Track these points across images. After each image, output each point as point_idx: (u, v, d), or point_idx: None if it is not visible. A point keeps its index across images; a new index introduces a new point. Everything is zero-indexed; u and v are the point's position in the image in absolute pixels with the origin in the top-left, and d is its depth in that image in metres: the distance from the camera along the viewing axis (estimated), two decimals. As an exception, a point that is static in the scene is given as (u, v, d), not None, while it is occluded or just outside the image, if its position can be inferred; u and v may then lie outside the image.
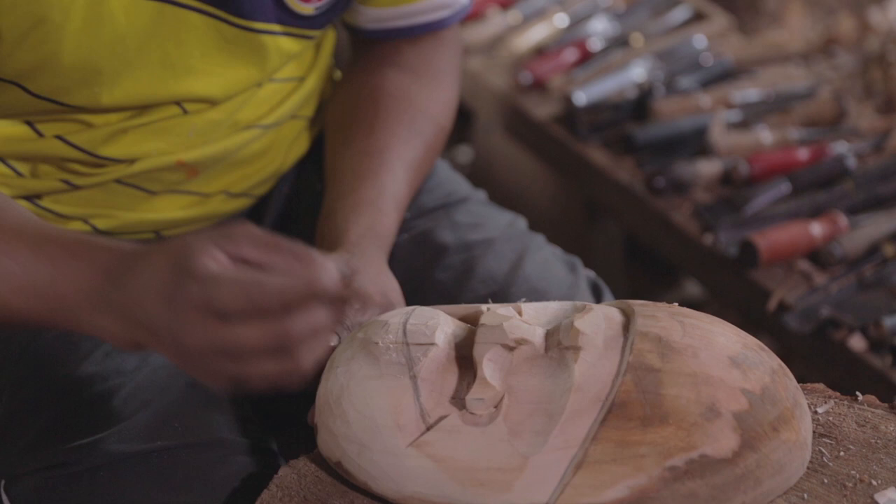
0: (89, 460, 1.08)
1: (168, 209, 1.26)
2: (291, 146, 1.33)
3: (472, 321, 1.01)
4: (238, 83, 1.20)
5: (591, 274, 1.30)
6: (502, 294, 1.22)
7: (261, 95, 1.24)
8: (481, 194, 1.40)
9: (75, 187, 1.21)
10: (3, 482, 1.11)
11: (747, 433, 0.92)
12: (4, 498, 1.11)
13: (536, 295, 1.21)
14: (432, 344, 0.97)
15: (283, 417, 1.23)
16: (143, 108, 1.17)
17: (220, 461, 1.09)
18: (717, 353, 0.95)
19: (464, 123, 2.49)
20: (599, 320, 0.96)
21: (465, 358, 0.97)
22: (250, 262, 0.89)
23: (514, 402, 0.94)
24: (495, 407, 0.94)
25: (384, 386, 0.96)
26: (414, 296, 1.19)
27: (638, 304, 0.99)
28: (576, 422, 0.92)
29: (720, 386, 0.93)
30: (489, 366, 0.95)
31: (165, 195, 1.25)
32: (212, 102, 1.19)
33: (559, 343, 0.95)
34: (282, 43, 1.19)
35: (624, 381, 0.93)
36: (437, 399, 0.96)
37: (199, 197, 1.27)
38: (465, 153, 2.68)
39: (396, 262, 1.23)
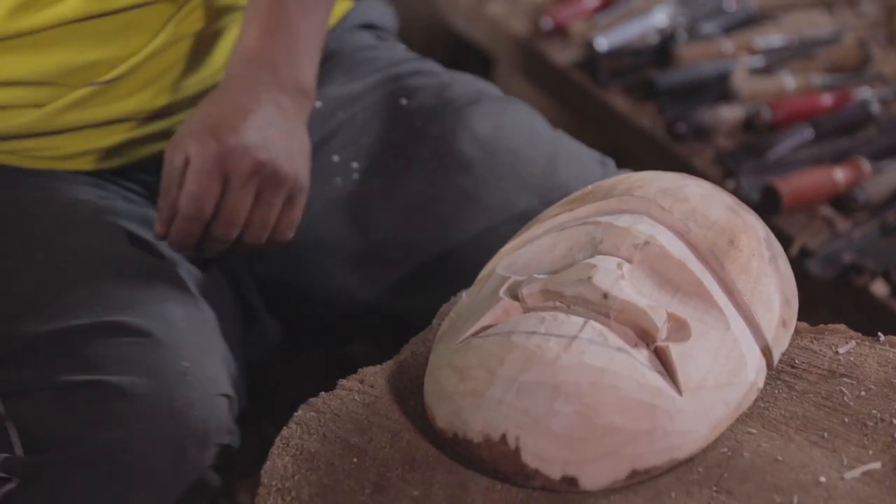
0: (8, 344, 1.07)
1: None
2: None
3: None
4: None
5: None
6: (543, 205, 1.18)
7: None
8: (494, 90, 1.36)
9: None
10: None
11: None
12: None
13: None
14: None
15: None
16: None
17: (140, 343, 1.08)
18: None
19: (484, 69, 2.47)
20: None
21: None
22: None
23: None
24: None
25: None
26: (440, 210, 1.17)
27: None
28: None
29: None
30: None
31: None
32: None
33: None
34: None
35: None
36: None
37: None
38: (485, 101, 2.67)
39: (417, 173, 1.20)
